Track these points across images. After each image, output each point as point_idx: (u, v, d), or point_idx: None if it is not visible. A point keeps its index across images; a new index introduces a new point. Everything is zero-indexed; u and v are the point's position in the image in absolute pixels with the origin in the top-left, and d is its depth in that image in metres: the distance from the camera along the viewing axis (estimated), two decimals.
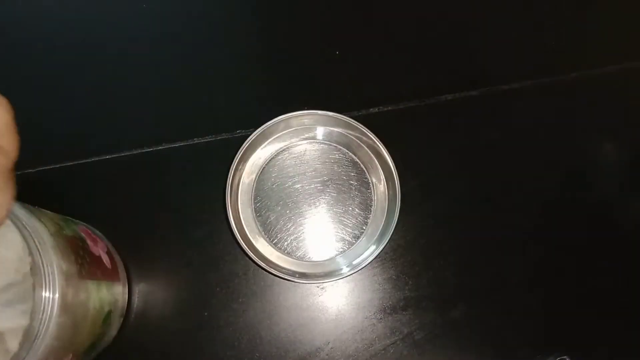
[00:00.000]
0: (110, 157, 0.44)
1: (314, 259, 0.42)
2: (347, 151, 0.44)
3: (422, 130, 0.46)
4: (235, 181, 0.42)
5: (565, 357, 0.40)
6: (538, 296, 0.44)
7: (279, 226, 0.43)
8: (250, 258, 0.40)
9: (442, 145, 0.46)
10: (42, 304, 0.27)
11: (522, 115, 0.47)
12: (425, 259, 0.43)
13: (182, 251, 0.43)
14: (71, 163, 0.43)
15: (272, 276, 0.42)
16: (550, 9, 0.50)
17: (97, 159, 0.44)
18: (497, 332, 0.43)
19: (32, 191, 0.43)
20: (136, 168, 0.44)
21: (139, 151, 0.44)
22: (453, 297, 0.43)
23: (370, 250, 0.41)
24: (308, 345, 0.42)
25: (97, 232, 0.39)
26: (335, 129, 0.44)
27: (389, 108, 0.46)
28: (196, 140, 0.45)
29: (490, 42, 0.49)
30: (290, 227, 0.43)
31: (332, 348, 0.42)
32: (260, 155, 0.44)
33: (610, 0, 0.51)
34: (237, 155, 0.40)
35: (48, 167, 0.43)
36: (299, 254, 0.43)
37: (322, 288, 0.43)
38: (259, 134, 0.41)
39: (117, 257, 0.40)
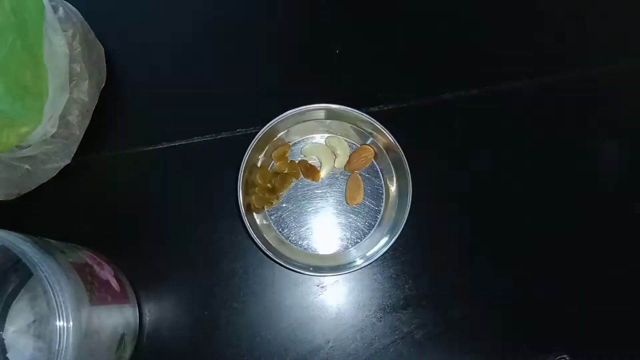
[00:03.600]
0: (109, 154, 0.44)
1: (327, 252, 0.43)
2: (353, 142, 0.44)
3: (422, 129, 0.46)
4: (247, 174, 0.41)
5: (565, 356, 0.40)
6: (538, 296, 0.44)
7: (291, 219, 0.43)
8: (263, 252, 0.39)
9: (442, 143, 0.46)
10: (58, 334, 0.27)
11: (523, 114, 0.47)
12: (425, 258, 0.43)
13: (181, 250, 0.43)
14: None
15: (272, 275, 0.42)
16: (550, 9, 0.50)
17: (97, 156, 0.44)
18: (497, 331, 0.43)
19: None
20: (136, 167, 0.44)
21: (139, 150, 0.44)
22: (453, 296, 0.43)
23: (384, 241, 0.41)
24: (308, 344, 0.42)
25: (103, 257, 0.39)
26: (345, 123, 0.43)
27: (389, 107, 0.46)
28: (196, 140, 0.45)
29: (490, 40, 0.49)
30: (302, 220, 0.43)
31: (332, 347, 0.42)
32: (272, 148, 0.44)
33: (610, 0, 0.51)
34: (250, 145, 0.40)
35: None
36: (312, 246, 0.43)
37: (323, 287, 0.43)
38: (272, 127, 0.41)
39: (124, 279, 0.40)
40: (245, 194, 0.41)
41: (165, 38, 0.48)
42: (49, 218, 0.43)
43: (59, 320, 0.27)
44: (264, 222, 0.43)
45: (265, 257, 0.41)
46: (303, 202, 0.43)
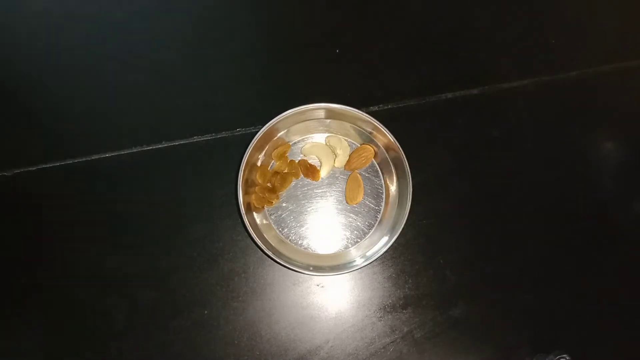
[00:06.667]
0: (110, 155, 0.44)
1: (327, 251, 0.43)
2: (353, 142, 0.44)
3: (423, 129, 0.46)
4: (247, 173, 0.41)
5: (564, 355, 0.40)
6: (538, 295, 0.44)
7: (291, 218, 0.43)
8: (263, 252, 0.39)
9: (442, 143, 0.46)
10: None
11: (522, 113, 0.47)
12: (425, 258, 0.43)
13: (181, 250, 0.43)
14: (72, 161, 0.43)
15: (272, 274, 0.42)
16: (550, 9, 0.50)
17: (97, 157, 0.44)
18: (497, 330, 0.43)
19: (32, 188, 0.43)
20: (136, 166, 0.44)
21: (139, 149, 0.44)
22: (453, 296, 0.43)
23: (384, 241, 0.41)
24: (308, 343, 0.42)
25: None
26: (345, 122, 0.43)
27: (390, 106, 0.46)
28: (196, 139, 0.45)
29: (490, 41, 0.49)
30: (302, 220, 0.43)
31: (332, 346, 0.42)
32: (272, 148, 0.44)
33: (609, 1, 0.51)
34: (250, 145, 0.40)
35: (48, 166, 0.43)
36: (311, 246, 0.43)
37: (322, 286, 0.43)
38: (272, 126, 0.41)
39: None
40: (245, 193, 0.41)
41: (164, 36, 0.48)
42: None
43: None
44: (264, 221, 0.43)
45: (265, 256, 0.42)
46: (303, 202, 0.44)
